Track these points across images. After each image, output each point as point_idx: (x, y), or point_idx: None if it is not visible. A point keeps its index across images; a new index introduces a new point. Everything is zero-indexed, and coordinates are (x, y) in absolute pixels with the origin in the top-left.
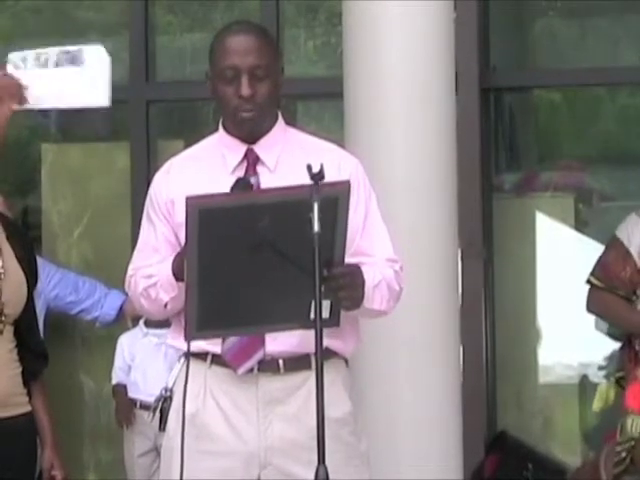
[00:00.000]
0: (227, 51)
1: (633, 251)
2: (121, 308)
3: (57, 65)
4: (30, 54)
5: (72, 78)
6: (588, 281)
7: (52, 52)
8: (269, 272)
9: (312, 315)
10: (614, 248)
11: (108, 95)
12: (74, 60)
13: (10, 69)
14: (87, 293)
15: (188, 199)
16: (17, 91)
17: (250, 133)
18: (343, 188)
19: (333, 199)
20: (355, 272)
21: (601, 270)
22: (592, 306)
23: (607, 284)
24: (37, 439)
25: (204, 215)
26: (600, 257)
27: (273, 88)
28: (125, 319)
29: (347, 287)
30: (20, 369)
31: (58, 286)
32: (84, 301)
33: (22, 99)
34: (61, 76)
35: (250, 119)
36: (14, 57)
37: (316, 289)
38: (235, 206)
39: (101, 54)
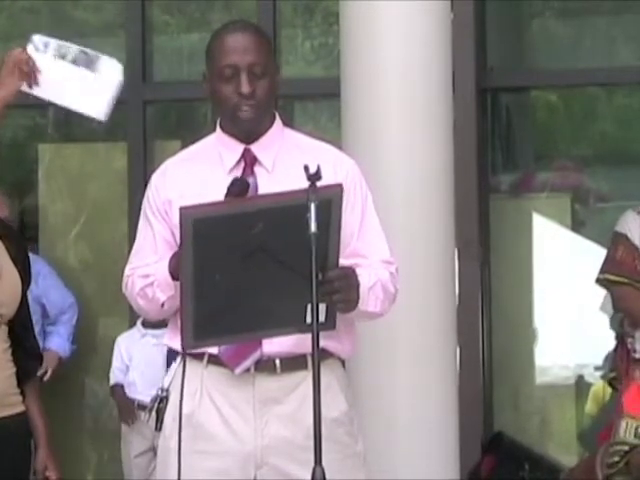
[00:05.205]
0: (225, 50)
1: (637, 244)
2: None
3: (73, 62)
4: (53, 42)
5: (82, 81)
6: (603, 280)
7: (73, 48)
8: (264, 278)
9: (308, 319)
10: (621, 243)
11: (107, 111)
12: (89, 64)
13: (30, 50)
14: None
15: (182, 209)
16: (30, 71)
17: (248, 132)
18: (336, 191)
19: (326, 202)
20: (349, 275)
21: (615, 266)
22: (621, 303)
23: (628, 278)
24: (32, 439)
25: (198, 225)
26: (608, 255)
27: (271, 86)
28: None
29: (342, 290)
30: (14, 369)
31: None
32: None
33: (33, 81)
34: (73, 74)
35: (250, 118)
36: (37, 40)
37: (313, 290)
38: (229, 214)
39: (116, 70)
